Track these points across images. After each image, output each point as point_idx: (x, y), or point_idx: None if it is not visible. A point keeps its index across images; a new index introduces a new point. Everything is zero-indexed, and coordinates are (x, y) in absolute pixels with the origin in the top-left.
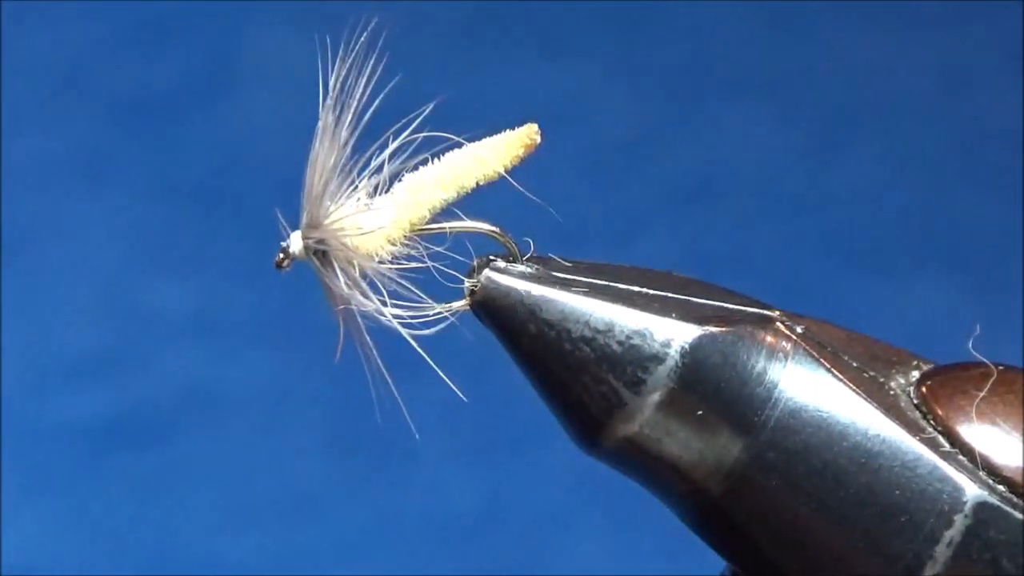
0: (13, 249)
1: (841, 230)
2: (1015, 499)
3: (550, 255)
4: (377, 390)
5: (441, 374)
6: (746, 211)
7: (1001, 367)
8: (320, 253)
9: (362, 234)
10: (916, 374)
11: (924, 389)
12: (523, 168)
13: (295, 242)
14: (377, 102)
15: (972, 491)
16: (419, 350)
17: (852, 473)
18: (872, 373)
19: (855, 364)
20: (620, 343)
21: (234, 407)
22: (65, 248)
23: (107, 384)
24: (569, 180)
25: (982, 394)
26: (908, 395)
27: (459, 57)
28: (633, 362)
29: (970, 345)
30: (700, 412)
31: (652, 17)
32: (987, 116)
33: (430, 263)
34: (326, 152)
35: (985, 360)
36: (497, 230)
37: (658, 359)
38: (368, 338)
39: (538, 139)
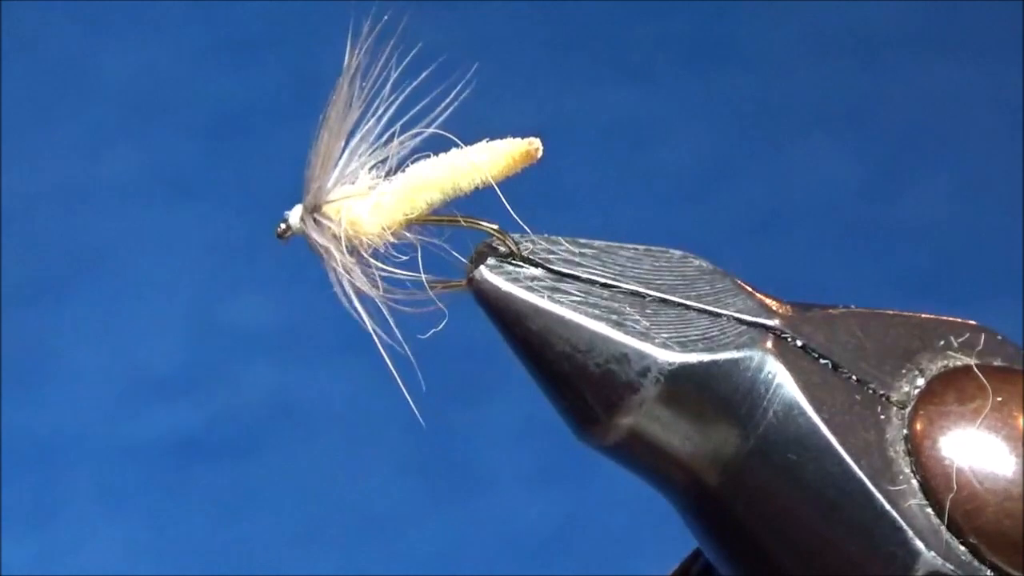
0: (99, 265)
1: (911, 262)
2: (975, 564)
3: (559, 237)
4: (437, 409)
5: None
6: (815, 242)
7: (999, 398)
8: (319, 228)
9: (361, 215)
10: (923, 382)
11: (921, 412)
12: (586, 188)
13: (295, 215)
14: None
15: (926, 558)
16: (421, 339)
17: (814, 525)
18: (872, 387)
19: (854, 378)
20: (598, 366)
21: (316, 423)
22: (150, 263)
23: (191, 400)
24: (640, 205)
25: (969, 436)
26: (904, 414)
27: (540, 79)
28: (608, 387)
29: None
30: (671, 445)
31: (727, 48)
32: None
33: (430, 239)
34: (333, 132)
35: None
36: (496, 227)
37: (632, 388)
38: (367, 317)
39: (539, 154)
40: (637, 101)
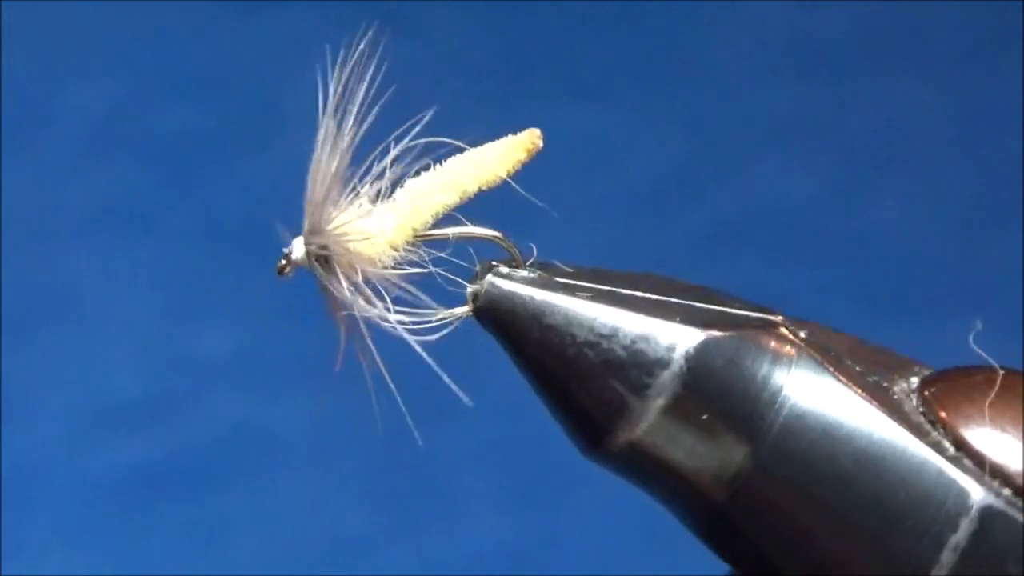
0: (58, 298)
1: (871, 275)
2: (1020, 503)
3: (553, 261)
4: (406, 432)
5: (445, 378)
6: (775, 256)
7: (1004, 370)
8: (322, 259)
9: (364, 240)
10: (916, 380)
11: (928, 393)
12: (550, 203)
13: (297, 248)
14: (380, 110)
15: (978, 495)
16: (422, 353)
17: (857, 477)
18: (875, 377)
19: (858, 368)
20: (625, 348)
21: (279, 451)
22: (109, 296)
23: (153, 432)
24: (599, 222)
25: (988, 399)
26: (912, 399)
27: (491, 97)
28: (638, 367)
29: (970, 339)
30: (704, 417)
31: (683, 63)
32: (1017, 158)
33: (433, 269)
34: (328, 158)
35: (989, 359)
36: (500, 235)
37: (663, 364)
38: (372, 345)
39: (540, 144)
40: (595, 118)
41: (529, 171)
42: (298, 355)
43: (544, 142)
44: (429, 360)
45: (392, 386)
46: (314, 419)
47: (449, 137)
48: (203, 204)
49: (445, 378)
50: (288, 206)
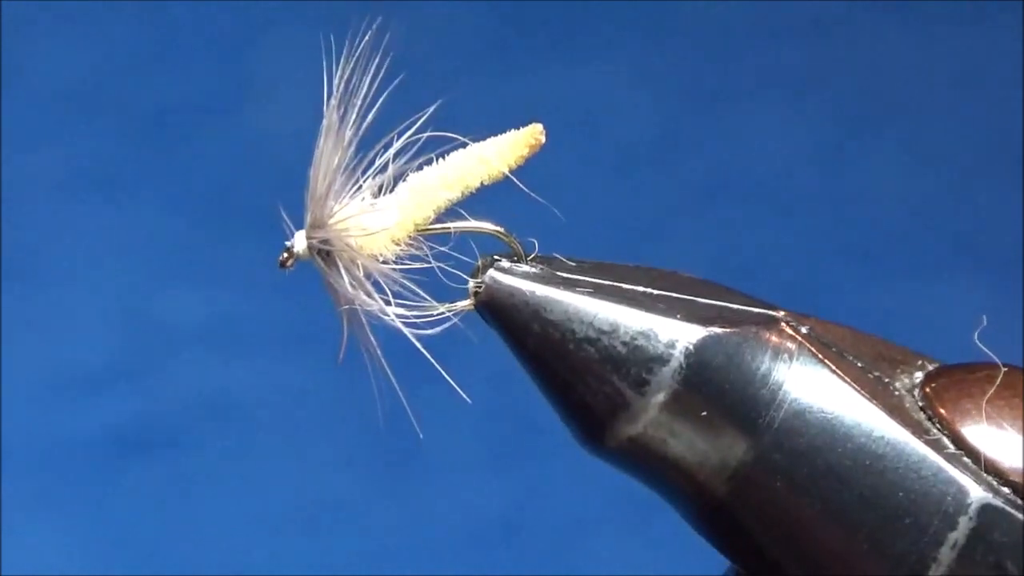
0: (28, 262)
1: (860, 230)
2: (1019, 501)
3: (555, 255)
4: (386, 396)
5: (445, 374)
6: (765, 212)
7: (1006, 367)
8: (324, 253)
9: (366, 234)
10: (920, 375)
11: (929, 390)
12: (541, 168)
13: (299, 241)
14: (381, 101)
15: (976, 493)
16: (423, 350)
17: (856, 474)
18: (877, 373)
19: (860, 364)
20: (625, 344)
21: (251, 416)
22: (80, 260)
23: (123, 395)
24: (588, 182)
25: (987, 396)
26: (913, 396)
27: (480, 62)
28: (637, 363)
29: (975, 337)
30: (704, 413)
31: (669, 20)
32: (1007, 113)
33: (434, 263)
34: (330, 151)
35: (992, 356)
36: (501, 230)
37: (662, 360)
38: (372, 338)
39: (543, 139)
40: (582, 77)
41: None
42: (271, 320)
43: (524, 103)
44: (430, 358)
45: (372, 353)
46: (290, 383)
47: (452, 132)
48: (178, 171)
49: (445, 376)
50: (261, 176)
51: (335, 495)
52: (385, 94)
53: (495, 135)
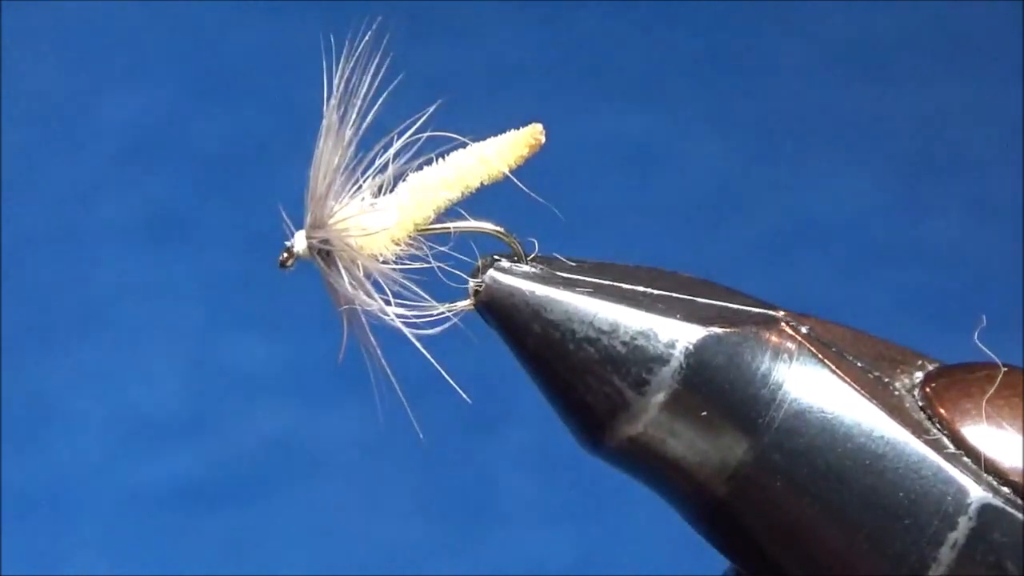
0: (96, 310)
1: (927, 284)
2: (1019, 501)
3: (555, 255)
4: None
5: (445, 374)
6: (834, 263)
7: (1006, 367)
8: (324, 253)
9: (366, 234)
10: (920, 375)
11: (928, 390)
12: (590, 202)
13: (299, 241)
14: (381, 101)
15: (976, 493)
16: (422, 350)
17: (856, 474)
18: (877, 373)
19: (860, 364)
20: (624, 344)
21: (321, 464)
22: (147, 308)
23: (193, 445)
24: (658, 226)
25: (987, 396)
26: (913, 396)
27: (551, 102)
28: (637, 363)
29: (975, 336)
30: (704, 413)
31: (739, 68)
32: None
33: (434, 263)
34: (330, 151)
35: (992, 356)
36: (502, 230)
37: (662, 360)
38: (372, 338)
39: (542, 139)
40: (648, 123)
41: (581, 176)
42: (337, 365)
43: (594, 146)
44: (430, 358)
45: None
46: (356, 431)
47: (452, 132)
48: (243, 214)
49: (445, 375)
50: None
51: (405, 545)
52: (384, 95)
53: (495, 135)
